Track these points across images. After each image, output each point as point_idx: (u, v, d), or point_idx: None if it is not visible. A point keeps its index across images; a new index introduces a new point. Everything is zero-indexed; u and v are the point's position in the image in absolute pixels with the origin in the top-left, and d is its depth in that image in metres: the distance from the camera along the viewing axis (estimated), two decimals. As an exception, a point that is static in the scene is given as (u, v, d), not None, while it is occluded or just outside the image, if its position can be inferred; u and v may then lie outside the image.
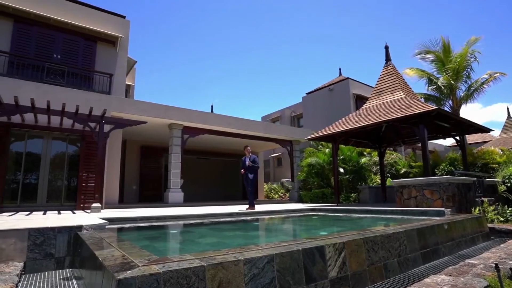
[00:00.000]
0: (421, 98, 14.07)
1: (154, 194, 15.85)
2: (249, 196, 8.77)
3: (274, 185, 22.39)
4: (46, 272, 3.69)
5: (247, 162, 8.61)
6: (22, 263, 3.61)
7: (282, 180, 24.04)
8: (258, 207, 9.26)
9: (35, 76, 10.32)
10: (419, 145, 18.92)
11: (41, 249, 3.80)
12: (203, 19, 76.79)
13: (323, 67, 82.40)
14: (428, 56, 14.49)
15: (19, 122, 9.16)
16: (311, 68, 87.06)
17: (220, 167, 20.21)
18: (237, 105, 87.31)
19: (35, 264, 3.73)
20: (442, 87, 13.74)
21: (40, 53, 10.75)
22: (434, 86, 14.35)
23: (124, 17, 12.92)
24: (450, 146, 27.00)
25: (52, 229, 3.91)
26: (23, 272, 3.51)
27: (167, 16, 77.16)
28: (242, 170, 8.72)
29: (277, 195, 21.01)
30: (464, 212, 6.21)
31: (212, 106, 23.26)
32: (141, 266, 1.81)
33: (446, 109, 13.76)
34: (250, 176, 8.62)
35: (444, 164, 11.88)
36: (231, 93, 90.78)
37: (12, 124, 9.11)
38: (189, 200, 13.25)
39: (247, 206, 8.66)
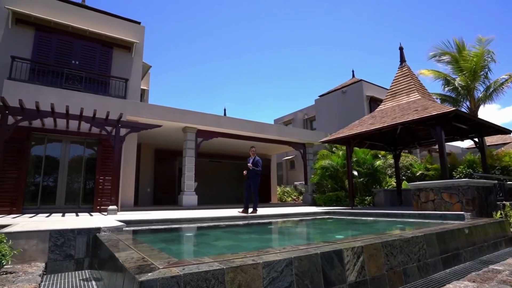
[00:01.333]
0: (437, 99, 13.79)
1: (168, 197, 16.02)
2: (249, 199, 8.35)
3: (287, 188, 22.29)
4: (66, 273, 3.77)
5: (249, 164, 8.31)
6: (43, 264, 3.70)
7: (295, 183, 23.92)
8: (272, 210, 9.22)
9: (54, 82, 10.63)
10: (435, 147, 18.67)
11: (62, 250, 3.89)
12: (215, 21, 77.58)
13: (336, 69, 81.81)
14: (443, 57, 14.21)
15: (39, 127, 9.44)
16: (323, 70, 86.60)
17: (233, 170, 20.26)
18: (249, 108, 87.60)
19: (55, 265, 3.82)
20: (459, 88, 13.43)
21: (59, 59, 11.08)
22: (451, 87, 14.05)
23: (139, 23, 13.19)
24: (467, 148, 26.33)
25: (72, 230, 4.00)
26: (44, 273, 3.60)
27: (179, 19, 78.29)
28: (245, 172, 8.41)
29: (290, 198, 20.90)
30: (485, 216, 6.03)
31: (225, 110, 23.44)
32: (162, 268, 1.83)
33: (463, 110, 13.43)
34: (253, 179, 8.24)
35: (462, 166, 11.59)
36: (243, 96, 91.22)
37: (33, 129, 9.39)
38: (202, 203, 13.34)
39: (251, 209, 8.26)
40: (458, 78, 13.31)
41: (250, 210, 8.15)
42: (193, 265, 1.89)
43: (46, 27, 10.94)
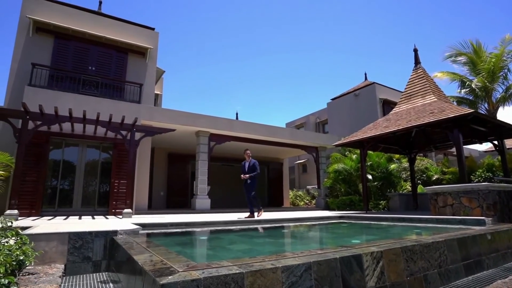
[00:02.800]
0: (453, 101, 13.49)
1: (180, 201, 16.14)
2: (251, 203, 8.14)
3: (300, 192, 22.14)
4: (84, 275, 3.83)
5: (245, 175, 8.04)
6: (63, 265, 3.77)
7: (308, 187, 23.74)
8: (285, 214, 9.18)
9: (72, 87, 10.91)
10: (452, 150, 18.24)
11: (80, 252, 3.95)
12: (226, 24, 78.26)
13: (348, 72, 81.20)
14: (459, 58, 13.93)
15: (57, 131, 9.68)
16: (335, 73, 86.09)
17: (245, 173, 20.28)
18: (261, 111, 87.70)
19: (74, 267, 3.89)
20: (477, 90, 13.12)
21: (76, 65, 11.37)
22: (468, 89, 13.73)
23: (153, 29, 13.42)
24: (485, 151, 25.59)
25: (90, 233, 4.06)
26: (63, 274, 3.66)
27: (191, 23, 79.32)
28: (242, 176, 8.12)
29: (302, 202, 20.74)
30: (508, 221, 5.84)
31: (237, 113, 23.52)
32: (181, 271, 1.83)
33: (481, 112, 13.09)
34: (249, 181, 8.05)
35: (481, 170, 11.28)
36: (254, 99, 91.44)
37: (51, 133, 9.64)
38: (215, 207, 13.37)
39: (258, 212, 8.11)
40: (476, 80, 13.00)
41: (256, 213, 8.05)
42: (213, 268, 1.89)
43: (65, 35, 11.26)
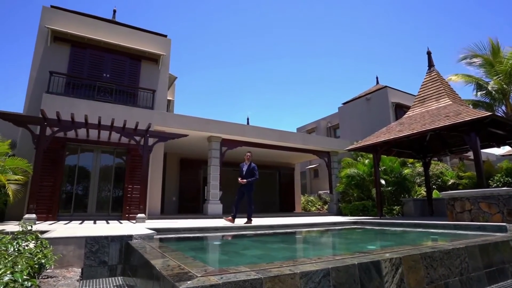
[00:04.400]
0: (469, 104, 13.21)
1: (192, 206, 16.22)
2: (249, 208, 7.88)
3: (311, 197, 21.97)
4: (101, 279, 3.87)
5: (243, 180, 7.75)
6: (80, 269, 3.82)
7: (319, 192, 23.55)
8: (297, 220, 9.10)
9: (87, 94, 11.17)
10: (467, 154, 17.81)
11: (96, 256, 4.00)
12: (237, 29, 78.95)
13: (359, 76, 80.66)
14: (474, 60, 13.63)
15: (73, 137, 9.90)
16: (346, 78, 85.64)
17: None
18: (271, 116, 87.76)
19: (91, 271, 3.93)
20: (493, 92, 12.81)
21: (92, 73, 11.65)
22: (484, 92, 13.42)
23: (165, 36, 13.65)
24: (502, 155, 24.91)
25: (106, 237, 4.11)
26: (80, 278, 3.71)
27: (202, 28, 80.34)
28: (239, 179, 7.79)
29: (314, 208, 20.56)
30: (529, 228, 5.63)
31: (248, 119, 23.58)
32: (200, 276, 1.83)
33: (499, 114, 12.77)
34: (247, 187, 7.79)
35: (499, 175, 10.98)
36: (265, 104, 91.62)
37: (67, 139, 9.86)
38: (227, 212, 13.36)
39: (245, 219, 7.86)
40: (492, 82, 12.71)
41: (245, 220, 7.69)
42: (231, 274, 1.88)
43: (81, 43, 11.57)
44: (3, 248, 2.62)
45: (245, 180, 7.73)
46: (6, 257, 2.38)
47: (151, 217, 10.49)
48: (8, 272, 1.86)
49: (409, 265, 2.58)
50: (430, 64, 10.61)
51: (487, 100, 13.59)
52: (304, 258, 2.44)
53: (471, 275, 3.01)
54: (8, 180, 7.37)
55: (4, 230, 3.16)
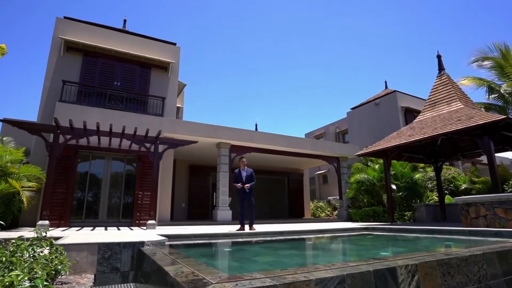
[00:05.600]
0: (481, 108, 12.99)
1: (201, 212, 16.24)
2: (250, 214, 7.73)
3: (321, 203, 21.77)
4: (113, 286, 3.89)
5: (246, 185, 7.60)
6: (92, 276, 3.85)
7: (329, 197, 23.34)
8: (308, 226, 9.02)
9: (99, 102, 11.35)
10: (480, 158, 17.46)
11: (109, 262, 4.03)
12: (244, 38, 79.56)
13: (367, 81, 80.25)
14: (486, 62, 13.42)
15: (85, 145, 10.06)
16: (354, 83, 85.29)
17: (265, 185, 20.21)
18: (279, 122, 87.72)
19: (103, 277, 3.96)
20: (506, 95, 12.58)
21: (103, 81, 11.86)
22: (496, 95, 13.19)
23: (174, 44, 13.84)
24: (517, 160, 24.35)
25: (118, 244, 4.14)
26: (93, 284, 3.74)
27: (211, 36, 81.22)
28: (239, 185, 7.59)
29: (323, 214, 20.37)
30: (548, 234, 5.47)
31: (256, 125, 23.62)
32: (215, 283, 1.83)
33: None
34: (249, 192, 7.67)
35: (514, 179, 10.72)
36: (272, 110, 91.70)
37: (79, 146, 10.02)
38: (236, 218, 13.34)
39: (247, 226, 7.70)
40: (505, 84, 12.49)
41: (247, 227, 7.59)
42: (246, 280, 1.87)
43: (92, 52, 11.81)
44: (19, 254, 2.66)
45: (248, 185, 7.62)
46: (23, 263, 2.42)
47: (161, 223, 10.53)
48: (26, 278, 1.89)
49: (425, 272, 2.53)
50: (441, 68, 10.52)
51: (500, 103, 13.34)
52: (318, 265, 2.41)
53: (489, 283, 2.93)
54: (22, 187, 7.50)
55: (23, 236, 3.21)
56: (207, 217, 15.85)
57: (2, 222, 2.94)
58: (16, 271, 1.94)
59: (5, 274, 2.01)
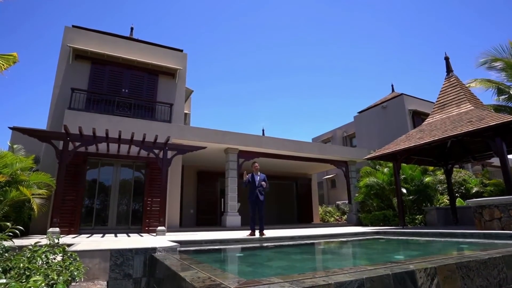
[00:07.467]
0: (491, 109, 12.83)
1: (210, 218, 16.18)
2: (253, 220, 7.68)
3: (329, 208, 21.60)
4: (125, 292, 3.87)
5: (257, 181, 7.55)
6: (105, 282, 3.85)
7: (337, 202, 23.17)
8: (317, 231, 8.94)
9: (107, 109, 11.47)
10: (491, 160, 17.17)
11: (121, 269, 4.01)
12: (250, 40, 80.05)
13: (374, 85, 79.94)
14: (495, 64, 13.28)
15: (94, 152, 10.14)
16: (361, 86, 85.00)
17: (274, 190, 20.11)
18: (286, 127, 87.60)
19: (116, 284, 3.93)
20: (516, 96, 12.41)
21: (111, 88, 11.99)
22: (506, 96, 13.02)
23: (181, 50, 13.97)
24: (529, 161, 23.95)
25: (130, 250, 4.12)
26: (106, 291, 3.73)
27: (216, 41, 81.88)
28: (247, 176, 7.63)
29: (332, 218, 20.19)
30: None
31: (263, 130, 23.63)
32: None
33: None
34: (261, 197, 7.58)
35: (527, 181, 10.49)
36: (279, 115, 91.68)
37: (88, 153, 10.10)
38: (245, 224, 13.28)
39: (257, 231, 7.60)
40: (514, 86, 12.33)
41: (257, 232, 7.52)
42: (264, 285, 1.85)
43: (100, 60, 11.97)
44: (34, 261, 2.66)
45: (264, 183, 7.60)
46: (38, 269, 2.42)
47: (170, 229, 10.52)
48: (43, 284, 1.89)
49: (444, 275, 2.47)
50: (449, 70, 10.44)
51: (510, 105, 13.16)
52: (336, 269, 2.37)
53: (510, 287, 2.85)
54: (32, 194, 7.57)
55: (39, 242, 3.23)
56: (216, 223, 15.80)
57: (21, 227, 2.94)
58: (37, 276, 1.94)
59: (24, 281, 2.01)
